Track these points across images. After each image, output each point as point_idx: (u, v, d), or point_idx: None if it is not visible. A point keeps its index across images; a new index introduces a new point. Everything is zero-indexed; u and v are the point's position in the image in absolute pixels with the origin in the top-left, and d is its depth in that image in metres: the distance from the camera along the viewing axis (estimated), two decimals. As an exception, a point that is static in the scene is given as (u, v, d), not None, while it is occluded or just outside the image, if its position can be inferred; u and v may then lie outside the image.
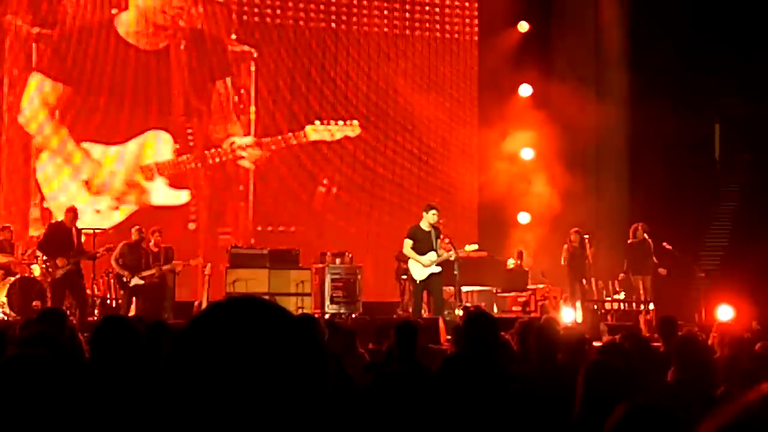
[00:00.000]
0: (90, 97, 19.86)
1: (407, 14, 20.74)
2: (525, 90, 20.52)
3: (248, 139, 20.71)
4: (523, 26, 20.55)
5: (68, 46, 19.73)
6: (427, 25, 20.72)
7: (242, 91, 21.02)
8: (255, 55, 20.94)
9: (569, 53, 19.54)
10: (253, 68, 21.00)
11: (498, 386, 4.07)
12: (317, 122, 20.87)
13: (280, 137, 20.76)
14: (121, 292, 15.22)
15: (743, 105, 19.62)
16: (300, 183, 20.61)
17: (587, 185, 19.44)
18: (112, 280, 15.79)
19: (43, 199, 19.08)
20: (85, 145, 19.72)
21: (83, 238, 14.83)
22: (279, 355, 1.46)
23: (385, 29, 20.85)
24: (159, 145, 20.32)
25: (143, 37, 20.38)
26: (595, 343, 9.01)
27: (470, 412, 3.90)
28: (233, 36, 20.88)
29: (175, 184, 20.08)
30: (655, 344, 8.61)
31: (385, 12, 20.89)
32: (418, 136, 20.27)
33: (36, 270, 14.80)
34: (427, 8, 20.79)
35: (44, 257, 14.21)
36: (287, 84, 20.88)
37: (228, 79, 20.89)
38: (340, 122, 21.00)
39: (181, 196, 20.15)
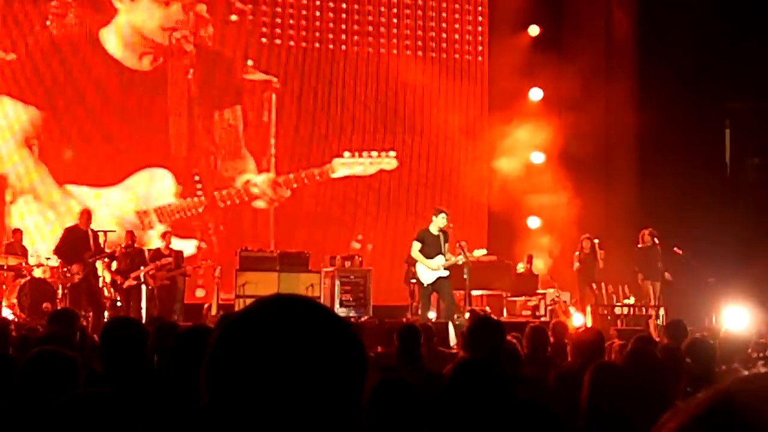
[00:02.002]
0: (71, 127, 17.63)
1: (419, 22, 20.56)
2: (535, 94, 20.52)
3: (265, 177, 18.59)
4: (534, 30, 20.55)
5: (44, 64, 17.61)
6: (441, 32, 20.62)
7: (264, 118, 18.66)
8: (276, 84, 18.89)
9: (579, 57, 19.51)
10: (273, 99, 18.85)
11: (505, 390, 4.08)
12: (347, 154, 19.04)
13: (303, 173, 18.61)
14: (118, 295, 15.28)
15: (754, 109, 19.57)
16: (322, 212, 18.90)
17: (597, 189, 19.41)
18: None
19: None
20: (69, 187, 17.42)
21: (101, 238, 14.89)
22: (322, 354, 1.45)
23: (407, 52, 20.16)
24: (158, 186, 17.94)
25: (135, 53, 18.02)
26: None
27: (478, 417, 3.91)
28: (249, 62, 18.86)
29: (178, 232, 17.25)
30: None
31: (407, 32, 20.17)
32: (428, 140, 20.21)
33: (46, 272, 14.91)
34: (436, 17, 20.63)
35: (60, 262, 14.37)
36: (309, 114, 18.92)
37: (238, 108, 18.67)
38: (374, 153, 19.13)
39: (187, 248, 17.45)
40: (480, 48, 20.77)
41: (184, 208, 17.97)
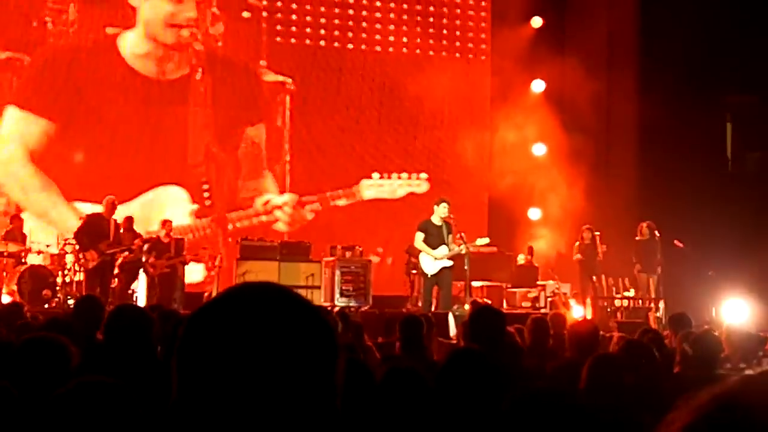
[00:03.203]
0: (80, 140, 16.72)
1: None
2: (538, 85, 20.50)
3: (288, 198, 17.73)
4: (537, 21, 20.52)
5: (53, 72, 16.66)
6: (443, 23, 20.57)
7: (278, 123, 17.57)
8: (291, 86, 18.01)
9: (582, 49, 19.50)
10: (288, 101, 17.90)
11: (503, 380, 4.09)
12: (375, 175, 18.32)
13: (328, 194, 17.76)
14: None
15: (755, 103, 19.56)
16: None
17: (598, 181, 19.41)
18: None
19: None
20: (77, 205, 16.60)
21: (121, 230, 14.81)
22: (291, 340, 1.44)
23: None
24: (171, 205, 17.10)
25: (152, 62, 17.05)
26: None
27: (475, 407, 3.92)
28: (262, 62, 17.96)
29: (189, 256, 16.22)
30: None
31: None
32: (430, 131, 20.18)
33: (46, 259, 14.91)
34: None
35: (77, 247, 14.34)
36: (327, 123, 17.97)
37: (262, 125, 17.65)
38: (404, 175, 18.29)
39: (196, 273, 16.82)
40: (483, 37, 20.72)
41: (194, 228, 17.09)
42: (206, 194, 17.45)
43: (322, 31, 18.99)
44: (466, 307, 14.15)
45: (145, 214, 16.65)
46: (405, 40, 19.99)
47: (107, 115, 16.88)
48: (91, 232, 14.23)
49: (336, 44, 19.13)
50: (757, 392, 1.11)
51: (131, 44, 17.03)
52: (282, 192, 18.11)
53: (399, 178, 18.38)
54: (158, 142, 17.11)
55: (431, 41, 20.35)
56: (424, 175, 18.48)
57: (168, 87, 17.19)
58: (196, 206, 17.28)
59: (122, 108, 16.91)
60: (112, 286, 14.74)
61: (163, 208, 16.96)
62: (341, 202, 17.50)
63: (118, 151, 16.92)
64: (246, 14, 18.12)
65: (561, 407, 2.77)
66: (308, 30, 18.83)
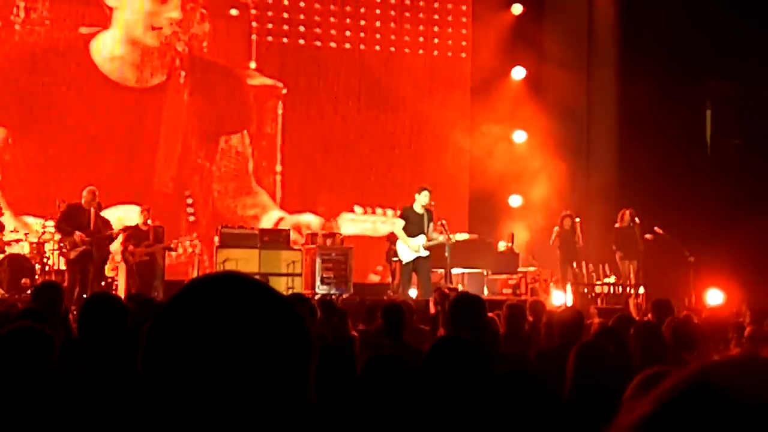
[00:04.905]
0: (36, 146, 15.74)
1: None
2: (518, 73, 20.47)
3: (316, 220, 16.92)
4: (517, 9, 20.49)
5: (14, 74, 15.60)
6: (423, 9, 20.47)
7: (268, 130, 16.76)
8: (283, 89, 17.29)
9: (562, 36, 19.49)
10: (280, 107, 17.21)
11: (484, 367, 4.07)
12: (359, 210, 17.84)
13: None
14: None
15: (735, 89, 19.63)
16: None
17: (578, 168, 19.45)
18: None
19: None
20: (27, 219, 15.79)
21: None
22: (258, 332, 1.41)
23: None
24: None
25: (128, 67, 16.04)
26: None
27: (458, 394, 3.90)
28: (252, 65, 17.33)
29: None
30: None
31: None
32: (409, 118, 20.12)
33: (25, 248, 14.80)
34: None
35: (58, 236, 14.24)
36: (317, 126, 17.31)
37: (245, 133, 16.91)
38: (390, 212, 17.49)
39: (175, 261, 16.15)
40: (464, 21, 20.66)
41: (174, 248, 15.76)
42: (190, 209, 16.70)
43: (317, 30, 18.36)
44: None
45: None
46: (387, 26, 19.90)
47: (68, 123, 15.97)
48: (71, 222, 14.10)
49: (332, 44, 18.59)
50: (724, 378, 1.03)
51: (106, 47, 16.21)
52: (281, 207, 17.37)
53: (384, 214, 17.87)
54: (128, 151, 16.32)
55: (411, 27, 20.26)
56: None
57: (143, 95, 16.32)
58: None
59: (87, 116, 16.00)
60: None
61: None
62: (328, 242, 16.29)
63: (80, 160, 16.01)
64: (234, 11, 17.32)
65: (543, 393, 2.75)
66: (302, 29, 18.15)
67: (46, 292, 6.46)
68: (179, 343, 1.40)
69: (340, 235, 16.80)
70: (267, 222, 17.38)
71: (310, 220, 17.61)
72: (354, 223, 18.01)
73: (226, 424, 1.38)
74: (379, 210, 17.86)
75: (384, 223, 17.79)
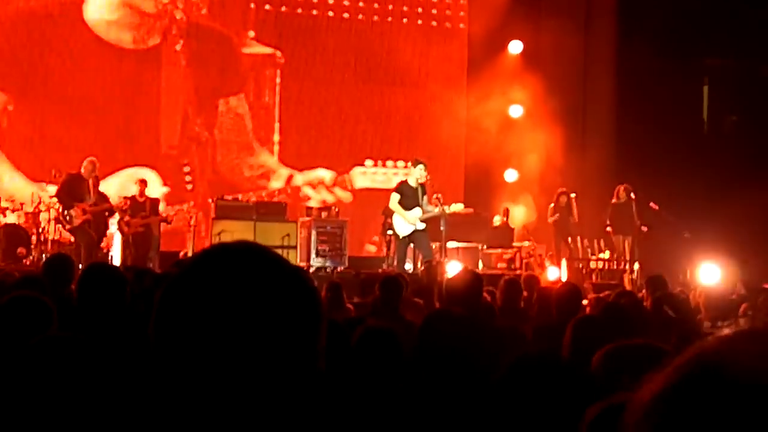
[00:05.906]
0: (34, 113, 15.62)
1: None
2: (515, 47, 20.41)
3: (329, 175, 16.82)
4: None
5: (10, 39, 15.56)
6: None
7: (266, 99, 16.78)
8: (281, 58, 17.42)
9: (560, 10, 19.42)
10: (278, 76, 17.22)
11: (480, 341, 4.08)
12: (369, 162, 17.94)
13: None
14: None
15: (732, 66, 19.60)
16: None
17: (574, 143, 19.43)
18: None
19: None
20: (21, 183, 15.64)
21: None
22: (273, 301, 1.41)
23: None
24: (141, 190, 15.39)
25: (124, 30, 15.97)
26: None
27: (453, 367, 3.91)
28: (251, 33, 17.35)
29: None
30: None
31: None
32: (406, 92, 20.07)
33: (21, 217, 14.79)
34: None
35: (59, 207, 14.20)
36: (315, 98, 17.32)
37: (243, 96, 17.04)
38: (400, 163, 17.69)
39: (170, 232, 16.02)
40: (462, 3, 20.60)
41: (175, 215, 15.77)
42: (188, 177, 16.66)
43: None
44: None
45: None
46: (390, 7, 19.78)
47: (67, 88, 15.94)
48: (71, 193, 14.07)
49: (330, 13, 18.61)
50: (742, 351, 1.02)
51: (102, 9, 16.18)
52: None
53: (395, 166, 17.87)
54: (127, 118, 16.31)
55: (407, 8, 20.19)
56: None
57: (140, 56, 16.28)
58: (167, 188, 16.47)
59: (85, 81, 15.96)
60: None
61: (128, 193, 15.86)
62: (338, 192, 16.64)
63: (79, 127, 15.98)
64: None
65: (558, 372, 2.75)
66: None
67: (57, 263, 6.44)
68: (195, 310, 1.40)
69: (335, 208, 16.80)
70: (277, 181, 17.32)
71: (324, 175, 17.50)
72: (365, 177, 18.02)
73: (239, 390, 1.39)
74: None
75: (396, 174, 17.79)
